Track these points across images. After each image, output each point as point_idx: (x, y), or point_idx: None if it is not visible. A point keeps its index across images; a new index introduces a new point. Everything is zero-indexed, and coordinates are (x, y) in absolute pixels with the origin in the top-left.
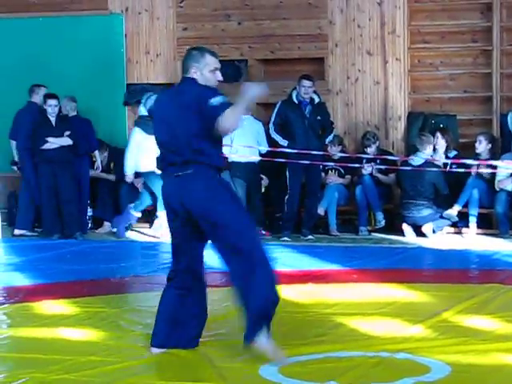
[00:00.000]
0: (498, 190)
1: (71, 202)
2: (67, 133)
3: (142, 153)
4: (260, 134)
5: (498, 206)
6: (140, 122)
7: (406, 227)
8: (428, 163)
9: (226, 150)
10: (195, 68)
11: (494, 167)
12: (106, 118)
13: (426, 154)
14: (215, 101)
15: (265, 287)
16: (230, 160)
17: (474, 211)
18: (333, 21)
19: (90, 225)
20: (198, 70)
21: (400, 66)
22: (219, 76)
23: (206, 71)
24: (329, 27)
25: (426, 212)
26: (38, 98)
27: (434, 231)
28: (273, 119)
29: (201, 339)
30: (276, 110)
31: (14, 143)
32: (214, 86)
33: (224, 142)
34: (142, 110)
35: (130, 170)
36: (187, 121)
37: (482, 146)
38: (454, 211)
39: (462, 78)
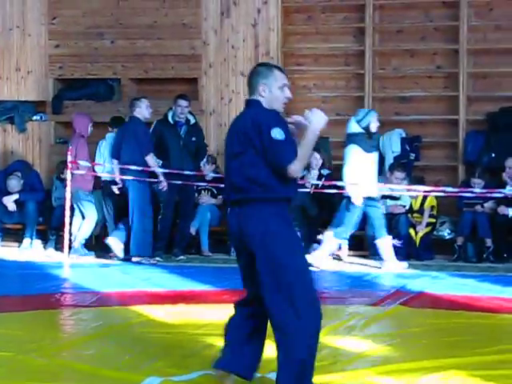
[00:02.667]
0: None
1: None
2: None
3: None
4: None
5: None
6: (357, 139)
7: None
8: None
9: (98, 169)
10: (263, 86)
11: None
12: None
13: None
14: (277, 140)
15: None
16: (102, 179)
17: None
18: (207, 41)
19: None
20: (266, 88)
21: None
22: (288, 93)
23: (275, 88)
24: (203, 48)
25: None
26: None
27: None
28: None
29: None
30: (151, 129)
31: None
32: (279, 110)
33: (97, 161)
34: (354, 127)
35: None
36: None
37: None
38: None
39: (335, 101)
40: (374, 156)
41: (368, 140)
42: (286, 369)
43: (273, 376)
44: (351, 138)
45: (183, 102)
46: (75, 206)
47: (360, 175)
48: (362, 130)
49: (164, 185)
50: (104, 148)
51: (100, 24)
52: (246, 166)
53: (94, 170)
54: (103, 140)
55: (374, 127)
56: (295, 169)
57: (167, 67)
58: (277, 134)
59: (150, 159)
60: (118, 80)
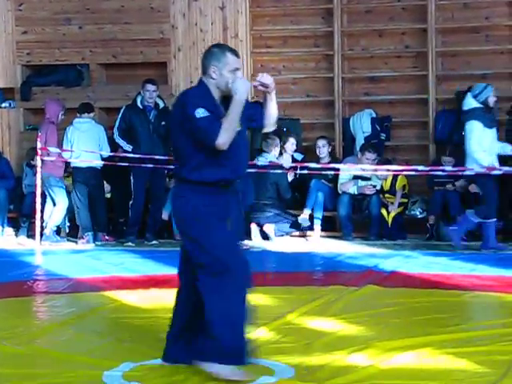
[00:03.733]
0: (340, 192)
1: None
2: None
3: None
4: (101, 138)
5: (341, 209)
6: (476, 114)
7: (253, 227)
8: (272, 166)
9: (66, 155)
10: (214, 67)
11: (337, 170)
12: None
13: (271, 155)
14: (200, 118)
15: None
16: (72, 165)
17: (318, 214)
18: (175, 25)
19: None
20: (217, 70)
21: (243, 71)
22: (240, 76)
23: (226, 71)
24: (171, 31)
25: (270, 213)
26: None
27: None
28: (117, 124)
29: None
30: (120, 114)
31: None
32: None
33: (64, 147)
34: (472, 102)
35: (485, 161)
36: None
37: (324, 151)
38: (305, 215)
39: (305, 83)
40: (494, 132)
41: (487, 114)
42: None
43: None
44: (470, 114)
45: (151, 87)
46: (46, 192)
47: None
48: (479, 105)
49: None
50: (71, 133)
51: (67, 9)
52: (176, 147)
53: (61, 156)
54: (70, 125)
55: (491, 101)
56: (222, 141)
57: (136, 52)
58: (200, 112)
59: None
60: (86, 65)
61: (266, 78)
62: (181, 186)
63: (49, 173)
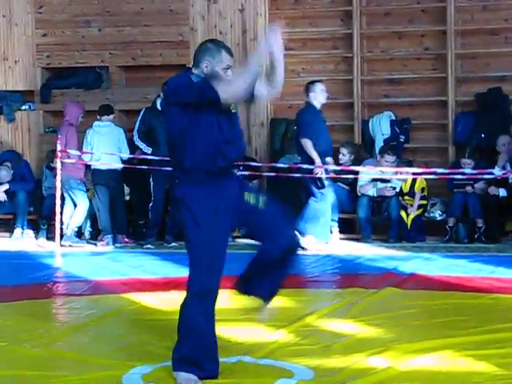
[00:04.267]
0: (359, 195)
1: None
2: None
3: None
4: (121, 140)
5: (360, 211)
6: None
7: None
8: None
9: (86, 158)
10: (207, 63)
11: (356, 173)
12: None
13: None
14: (197, 82)
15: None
16: (92, 168)
17: (334, 216)
18: (194, 27)
19: None
20: (209, 66)
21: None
22: (230, 75)
23: (219, 68)
24: (190, 34)
25: None
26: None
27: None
28: (137, 127)
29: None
30: (140, 117)
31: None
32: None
33: (84, 150)
34: None
35: None
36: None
37: (346, 158)
38: None
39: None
40: None
41: None
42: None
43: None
44: None
45: None
46: (66, 194)
47: None
48: None
49: None
50: (91, 136)
51: (87, 12)
52: (173, 140)
53: (81, 159)
54: (90, 128)
55: None
56: (227, 93)
57: (155, 54)
58: (194, 78)
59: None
60: (106, 68)
61: (274, 29)
62: (180, 176)
63: (69, 175)
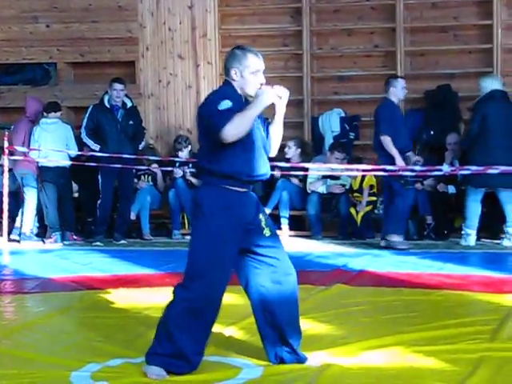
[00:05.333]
0: (309, 192)
1: None
2: None
3: None
4: (69, 137)
5: (310, 208)
6: None
7: None
8: None
9: (34, 155)
10: (235, 69)
11: (306, 169)
12: None
13: None
14: (221, 110)
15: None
16: (39, 164)
17: (285, 213)
18: (143, 24)
19: None
20: (238, 72)
21: (212, 70)
22: (261, 78)
23: (247, 73)
24: (139, 30)
25: None
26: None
27: None
28: (84, 123)
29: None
30: (88, 114)
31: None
32: (251, 94)
33: (32, 146)
34: None
35: None
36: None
37: (292, 151)
38: None
39: (274, 82)
40: None
41: None
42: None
43: None
44: None
45: (118, 86)
46: (25, 190)
47: None
48: None
49: None
50: (38, 133)
51: (34, 8)
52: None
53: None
54: (37, 125)
55: None
56: (226, 132)
57: (104, 50)
58: (223, 104)
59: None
60: (54, 64)
61: (283, 90)
62: (203, 178)
63: (26, 169)
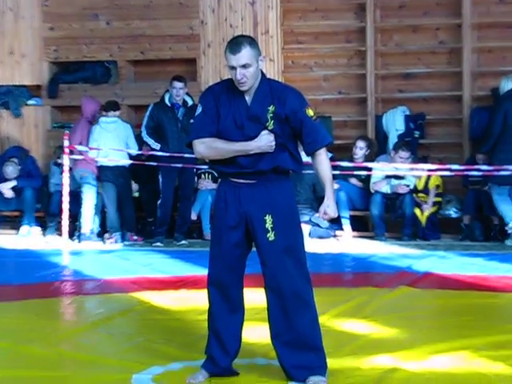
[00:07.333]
0: (372, 192)
1: None
2: None
3: None
4: (129, 136)
5: (374, 209)
6: None
7: None
8: (307, 164)
9: (94, 154)
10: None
11: (369, 169)
12: None
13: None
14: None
15: None
16: (99, 164)
17: (345, 213)
18: (204, 20)
19: None
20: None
21: (274, 67)
22: (236, 75)
23: (229, 68)
24: (200, 27)
25: (306, 215)
26: None
27: (310, 234)
28: (145, 122)
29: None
30: (148, 112)
31: None
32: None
33: (91, 146)
34: None
35: None
36: None
37: (361, 153)
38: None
39: (337, 79)
40: None
41: None
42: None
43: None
44: None
45: (178, 84)
46: (83, 189)
47: None
48: None
49: None
50: (98, 133)
51: (95, 5)
52: None
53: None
54: (97, 125)
55: None
56: (197, 149)
57: (164, 48)
58: (198, 110)
59: None
60: (114, 62)
61: (331, 211)
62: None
63: (85, 169)
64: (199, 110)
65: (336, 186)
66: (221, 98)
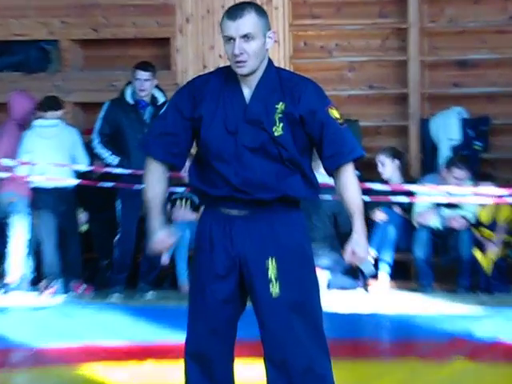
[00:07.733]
0: (417, 226)
1: None
2: None
3: None
4: (75, 146)
5: (418, 249)
6: None
7: None
8: (326, 188)
9: (25, 171)
10: None
11: (412, 194)
12: None
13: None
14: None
15: None
16: (33, 185)
17: (387, 256)
18: None
19: None
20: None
21: (279, 51)
22: (234, 49)
23: (224, 42)
24: None
25: (324, 257)
26: None
27: (328, 285)
28: (98, 127)
29: None
30: (102, 113)
31: None
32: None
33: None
34: None
35: None
36: None
37: (388, 169)
38: (369, 259)
39: (367, 69)
40: None
41: None
42: None
43: None
44: None
45: (143, 74)
46: (11, 221)
47: None
48: None
49: None
50: (31, 140)
51: None
52: None
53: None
54: (30, 130)
55: None
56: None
57: (126, 23)
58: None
59: None
60: (55, 42)
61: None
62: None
63: (14, 192)
64: (162, 113)
65: (382, 217)
66: (204, 93)
